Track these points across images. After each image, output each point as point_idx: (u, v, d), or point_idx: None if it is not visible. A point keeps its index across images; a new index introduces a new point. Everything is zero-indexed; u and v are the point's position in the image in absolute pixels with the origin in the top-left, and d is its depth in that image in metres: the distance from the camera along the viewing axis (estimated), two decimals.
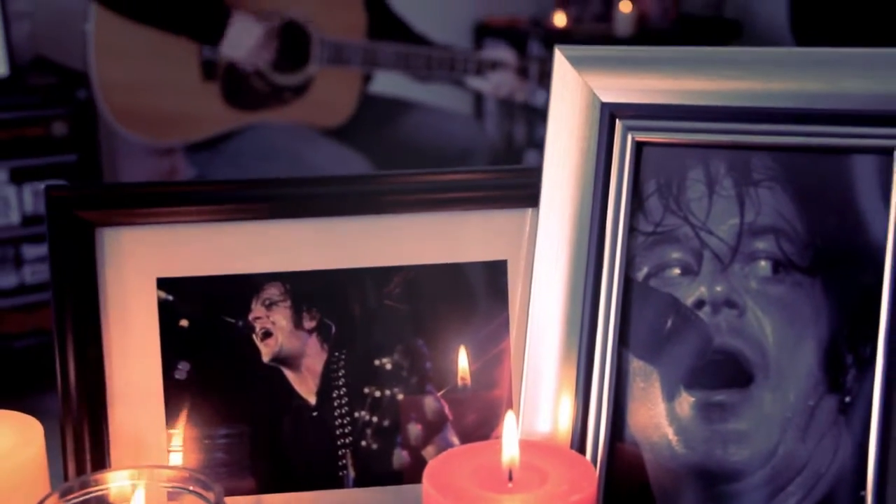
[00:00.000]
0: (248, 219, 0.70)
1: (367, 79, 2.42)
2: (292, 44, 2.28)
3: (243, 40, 2.18)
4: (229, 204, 0.70)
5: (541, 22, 3.68)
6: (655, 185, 0.69)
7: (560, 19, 3.54)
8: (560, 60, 0.70)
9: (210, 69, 2.23)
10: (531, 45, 3.45)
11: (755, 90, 0.66)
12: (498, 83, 2.36)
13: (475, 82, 2.37)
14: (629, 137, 0.68)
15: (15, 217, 2.70)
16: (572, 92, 0.70)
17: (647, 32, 3.63)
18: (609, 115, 0.69)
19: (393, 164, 2.47)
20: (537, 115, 3.55)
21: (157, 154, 3.23)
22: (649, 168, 0.69)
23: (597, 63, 0.69)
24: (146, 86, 2.25)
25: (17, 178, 2.69)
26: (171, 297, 0.70)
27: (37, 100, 2.68)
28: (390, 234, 0.72)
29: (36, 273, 2.75)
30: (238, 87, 2.27)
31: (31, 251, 2.74)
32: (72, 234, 0.68)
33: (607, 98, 0.69)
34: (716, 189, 0.67)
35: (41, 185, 2.67)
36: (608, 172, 0.68)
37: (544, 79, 2.40)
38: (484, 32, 3.73)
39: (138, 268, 0.70)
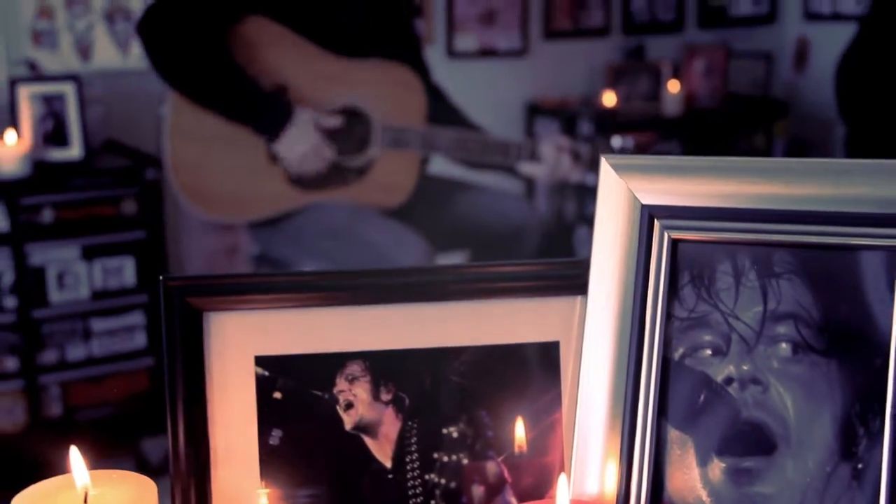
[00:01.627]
0: (333, 304, 0.82)
1: (424, 161, 2.54)
2: (355, 129, 2.42)
3: (297, 145, 2.31)
4: (317, 292, 0.82)
5: (590, 101, 3.81)
6: (689, 276, 0.79)
7: (609, 99, 3.67)
8: (605, 168, 0.82)
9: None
10: (581, 124, 3.58)
11: (775, 195, 0.77)
12: (551, 167, 2.45)
13: (528, 167, 2.48)
14: (665, 235, 0.79)
15: (85, 292, 2.86)
16: (616, 195, 0.81)
17: (694, 112, 3.75)
18: (648, 215, 0.80)
19: (449, 242, 2.58)
20: (587, 192, 3.66)
21: (219, 230, 3.39)
22: (684, 261, 0.80)
23: (637, 170, 0.81)
24: (215, 166, 2.37)
25: (88, 254, 2.85)
26: (266, 373, 0.82)
27: (108, 180, 2.85)
28: (457, 318, 0.83)
29: (103, 346, 2.89)
30: None
31: (99, 325, 2.89)
32: (183, 318, 0.80)
33: (647, 200, 0.80)
34: (742, 280, 0.78)
35: (110, 261, 2.84)
36: (647, 265, 0.80)
37: (595, 160, 2.50)
38: (535, 112, 3.87)
39: (239, 347, 0.82)
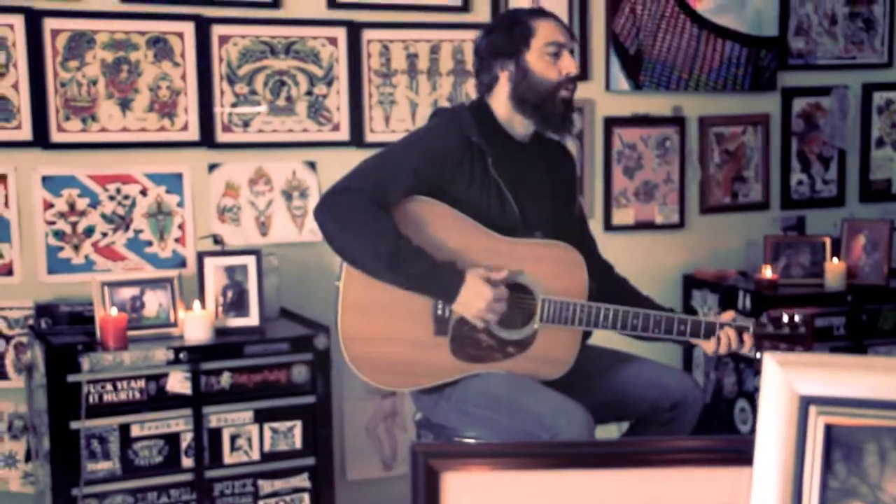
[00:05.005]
0: (544, 468, 1.08)
1: (587, 335, 2.77)
2: (518, 303, 2.68)
3: (474, 302, 2.59)
4: (534, 458, 1.08)
5: (749, 274, 4.02)
6: (841, 454, 1.03)
7: (769, 272, 3.87)
8: (769, 362, 1.07)
9: (441, 325, 2.64)
10: (740, 297, 3.78)
11: None
12: (718, 345, 2.65)
13: (696, 342, 2.68)
14: (820, 420, 1.03)
15: (255, 454, 3.17)
16: (778, 386, 1.06)
17: (857, 287, 3.91)
18: (805, 403, 1.04)
19: (608, 412, 2.78)
20: (746, 366, 3.83)
21: (380, 396, 3.70)
22: (836, 441, 1.03)
23: (795, 365, 1.05)
24: (384, 338, 2.65)
25: (260, 417, 3.18)
26: None
27: (282, 348, 3.20)
28: (644, 482, 1.08)
29: None
30: (466, 341, 2.65)
31: (267, 485, 3.19)
32: (425, 477, 1.07)
33: (803, 391, 1.04)
34: (886, 458, 1.01)
35: (280, 425, 3.15)
36: (804, 444, 1.03)
37: (758, 336, 2.69)
38: (692, 283, 4.10)
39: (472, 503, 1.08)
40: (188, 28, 3.43)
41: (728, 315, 2.68)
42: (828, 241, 4.02)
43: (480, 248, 2.64)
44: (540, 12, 2.78)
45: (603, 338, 2.81)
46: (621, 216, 4.07)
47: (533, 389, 2.60)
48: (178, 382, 3.07)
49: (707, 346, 2.66)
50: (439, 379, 2.65)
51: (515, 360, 2.66)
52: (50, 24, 3.29)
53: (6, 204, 3.29)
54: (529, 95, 2.68)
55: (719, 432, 3.85)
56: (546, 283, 2.65)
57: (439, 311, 2.62)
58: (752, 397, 3.78)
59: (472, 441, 2.66)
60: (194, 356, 3.08)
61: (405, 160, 2.64)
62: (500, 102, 2.72)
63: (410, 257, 2.53)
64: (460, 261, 2.60)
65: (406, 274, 2.55)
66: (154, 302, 3.22)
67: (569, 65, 2.68)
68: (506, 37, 2.70)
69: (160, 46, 3.40)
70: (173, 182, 3.44)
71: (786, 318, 2.62)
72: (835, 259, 3.96)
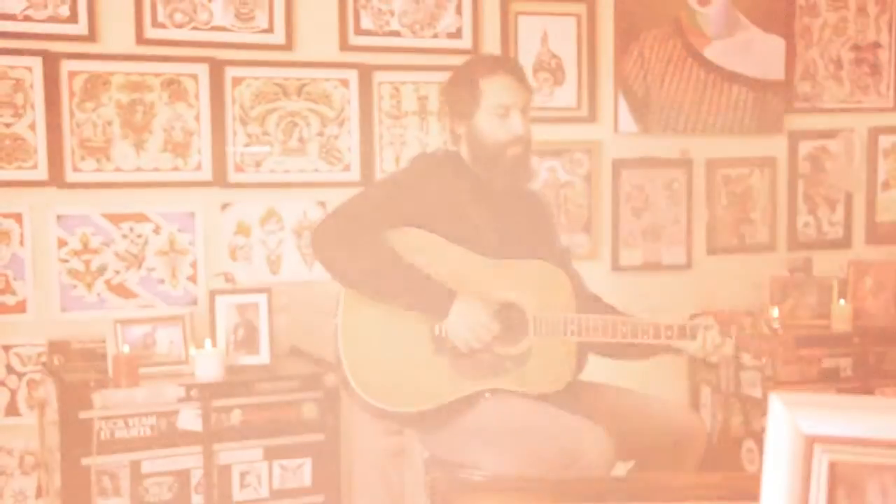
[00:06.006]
0: (558, 501, 1.12)
1: (582, 355, 2.81)
2: (511, 320, 2.75)
3: (465, 318, 2.65)
4: (546, 491, 1.12)
5: (755, 315, 4.06)
6: (844, 491, 1.07)
7: (775, 313, 3.90)
8: (774, 401, 1.11)
9: (441, 344, 2.70)
10: None
11: None
12: (705, 343, 2.71)
13: (680, 344, 2.73)
14: (825, 458, 1.07)
15: (264, 491, 3.21)
16: (783, 424, 1.10)
17: (864, 328, 3.94)
18: (810, 441, 1.08)
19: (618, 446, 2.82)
20: (754, 406, 3.86)
21: (388, 434, 3.72)
22: (839, 478, 1.07)
23: (801, 405, 1.10)
24: (387, 360, 2.72)
25: (269, 455, 3.22)
26: None
27: (292, 385, 3.24)
28: None
29: None
30: (465, 358, 2.70)
31: None
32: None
33: (808, 430, 1.08)
34: (887, 495, 1.05)
35: (289, 462, 3.19)
36: (809, 481, 1.07)
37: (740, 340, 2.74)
38: None
39: None
40: (202, 70, 3.50)
41: (711, 317, 2.76)
42: (835, 283, 4.06)
43: (469, 270, 2.72)
44: (494, 65, 2.81)
45: (601, 373, 2.85)
46: (629, 257, 4.12)
47: (549, 413, 2.64)
48: (189, 419, 3.11)
49: (691, 346, 2.71)
50: (446, 398, 2.70)
51: (514, 375, 2.72)
52: (67, 65, 3.36)
53: (21, 242, 3.35)
54: (480, 153, 2.78)
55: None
56: (534, 300, 2.72)
57: (437, 331, 2.68)
58: (758, 437, 3.80)
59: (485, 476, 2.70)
60: (205, 393, 3.12)
61: (389, 196, 2.75)
62: (466, 153, 2.82)
63: (404, 271, 2.62)
64: (451, 283, 2.67)
65: (401, 287, 2.64)
66: (166, 339, 3.27)
67: (516, 126, 2.74)
68: (457, 98, 2.80)
69: (174, 88, 3.47)
70: (186, 221, 3.50)
71: (762, 320, 2.71)
72: (842, 301, 4.00)
